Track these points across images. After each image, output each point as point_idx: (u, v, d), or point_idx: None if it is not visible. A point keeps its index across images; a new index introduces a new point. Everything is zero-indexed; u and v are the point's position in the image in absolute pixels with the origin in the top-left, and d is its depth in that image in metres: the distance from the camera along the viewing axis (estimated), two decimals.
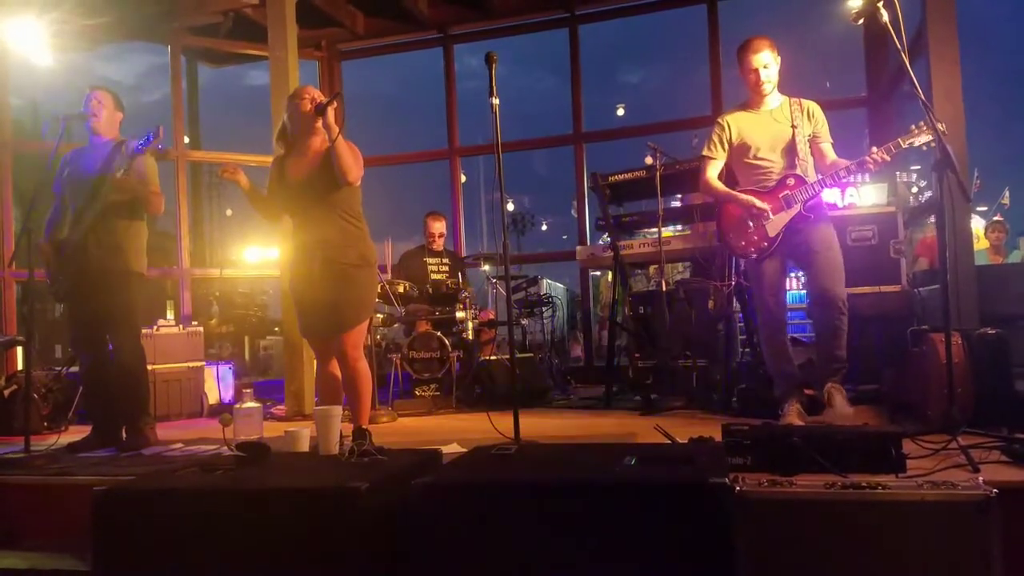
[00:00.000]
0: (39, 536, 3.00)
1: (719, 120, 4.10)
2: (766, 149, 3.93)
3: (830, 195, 3.95)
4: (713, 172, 4.08)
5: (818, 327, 3.93)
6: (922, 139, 3.48)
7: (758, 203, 3.87)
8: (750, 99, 4.03)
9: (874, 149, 3.61)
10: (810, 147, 3.93)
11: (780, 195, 3.86)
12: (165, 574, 2.32)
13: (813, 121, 3.92)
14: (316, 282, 3.57)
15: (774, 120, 3.94)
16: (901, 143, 3.53)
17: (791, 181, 3.85)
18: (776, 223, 3.86)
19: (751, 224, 3.91)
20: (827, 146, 3.95)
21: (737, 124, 4.02)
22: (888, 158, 3.59)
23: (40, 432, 4.71)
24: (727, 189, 4.03)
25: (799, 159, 3.87)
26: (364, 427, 3.61)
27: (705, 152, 4.12)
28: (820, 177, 3.83)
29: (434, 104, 8.46)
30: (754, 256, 3.94)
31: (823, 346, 3.88)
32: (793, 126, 3.88)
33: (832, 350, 3.84)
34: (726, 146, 4.04)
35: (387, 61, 8.83)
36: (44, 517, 3.14)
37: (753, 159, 3.97)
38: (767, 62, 3.90)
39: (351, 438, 3.45)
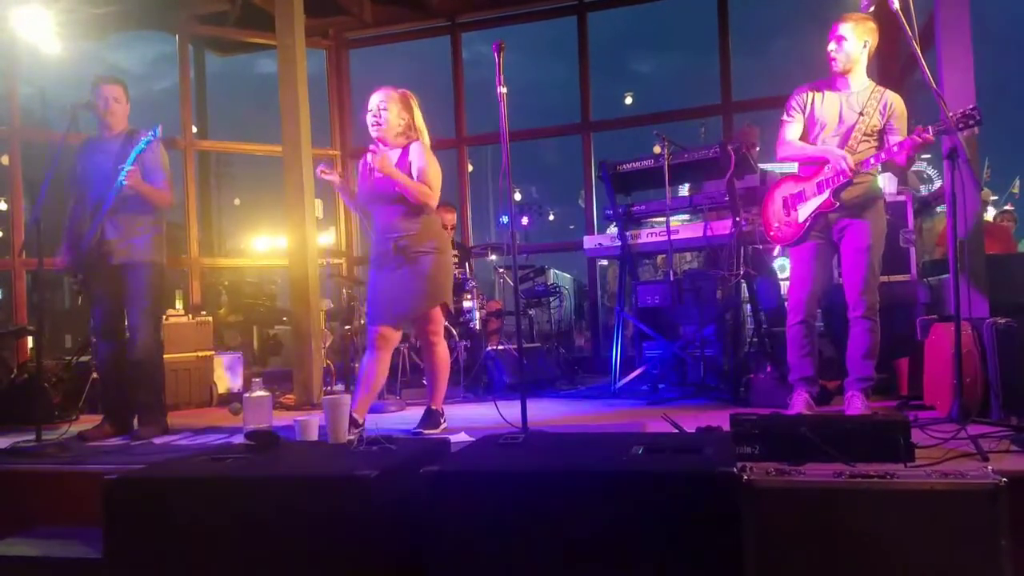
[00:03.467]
0: (50, 524, 3.02)
1: (800, 88, 3.93)
2: (829, 132, 3.80)
3: None
4: (790, 132, 3.91)
5: (849, 329, 3.83)
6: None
7: (837, 152, 3.69)
8: (830, 75, 3.85)
9: (919, 128, 3.48)
10: (879, 138, 3.75)
11: (816, 181, 3.79)
12: (176, 562, 2.33)
13: (888, 112, 3.72)
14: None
15: (849, 104, 3.78)
16: (932, 132, 3.43)
17: (828, 169, 3.75)
18: (806, 209, 3.82)
19: (788, 211, 3.89)
20: (896, 139, 3.73)
21: (813, 97, 3.87)
22: (931, 138, 3.46)
23: (51, 421, 4.73)
24: (807, 147, 3.86)
25: (848, 148, 3.72)
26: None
27: (783, 118, 3.96)
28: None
29: (442, 93, 8.45)
30: (783, 241, 3.95)
31: (850, 352, 3.80)
32: (860, 114, 3.72)
33: (859, 357, 3.75)
34: (802, 110, 3.89)
35: (395, 50, 8.80)
36: (55, 506, 3.16)
37: (819, 141, 3.83)
38: (844, 34, 3.70)
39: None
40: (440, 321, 3.88)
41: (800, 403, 3.81)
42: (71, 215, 4.26)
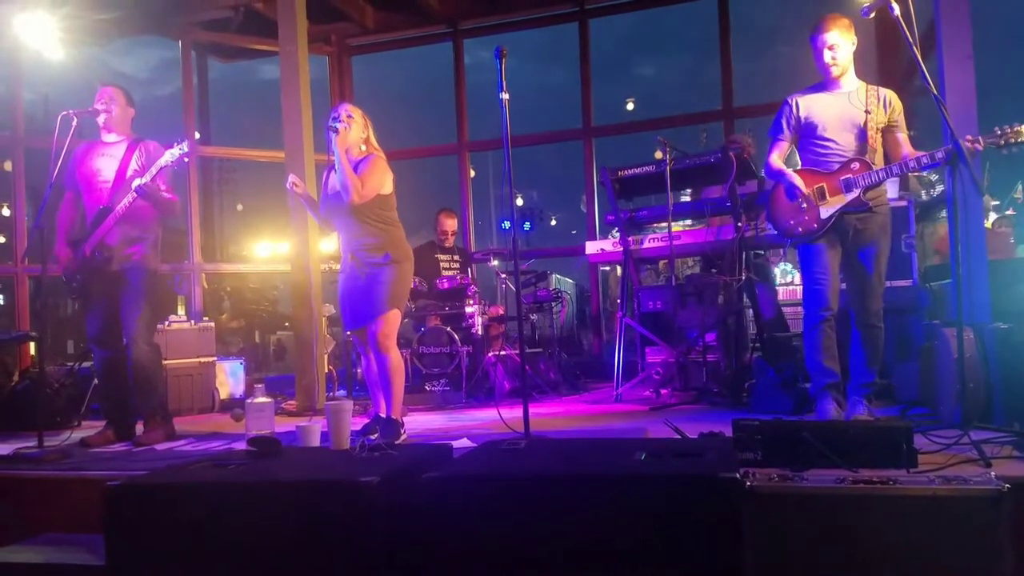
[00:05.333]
0: (53, 531, 3.02)
1: (787, 99, 3.88)
2: (833, 129, 3.73)
3: None
4: (776, 155, 3.89)
5: (852, 334, 3.76)
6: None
7: (801, 187, 3.70)
8: (823, 80, 3.82)
9: (969, 137, 3.38)
10: (884, 137, 3.72)
11: (841, 178, 3.66)
12: (178, 569, 2.33)
13: (890, 110, 3.71)
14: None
15: (848, 102, 3.73)
16: (983, 142, 3.35)
17: (856, 165, 3.65)
18: (831, 205, 3.68)
19: (804, 205, 3.74)
20: (904, 136, 3.73)
21: (806, 103, 3.81)
22: (981, 147, 3.36)
23: (53, 427, 4.73)
24: (784, 168, 3.83)
25: (869, 147, 3.67)
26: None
27: (771, 135, 3.93)
28: (888, 166, 3.63)
29: (444, 99, 8.46)
30: (800, 236, 3.78)
31: (854, 357, 3.74)
32: (866, 111, 3.68)
33: (863, 363, 3.71)
34: (792, 127, 3.85)
35: (397, 56, 8.82)
36: (58, 512, 3.16)
37: (819, 139, 3.77)
38: (835, 42, 3.67)
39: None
40: (393, 326, 3.88)
41: (830, 413, 3.66)
42: (62, 213, 4.26)
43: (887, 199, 3.85)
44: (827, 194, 3.70)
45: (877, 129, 3.70)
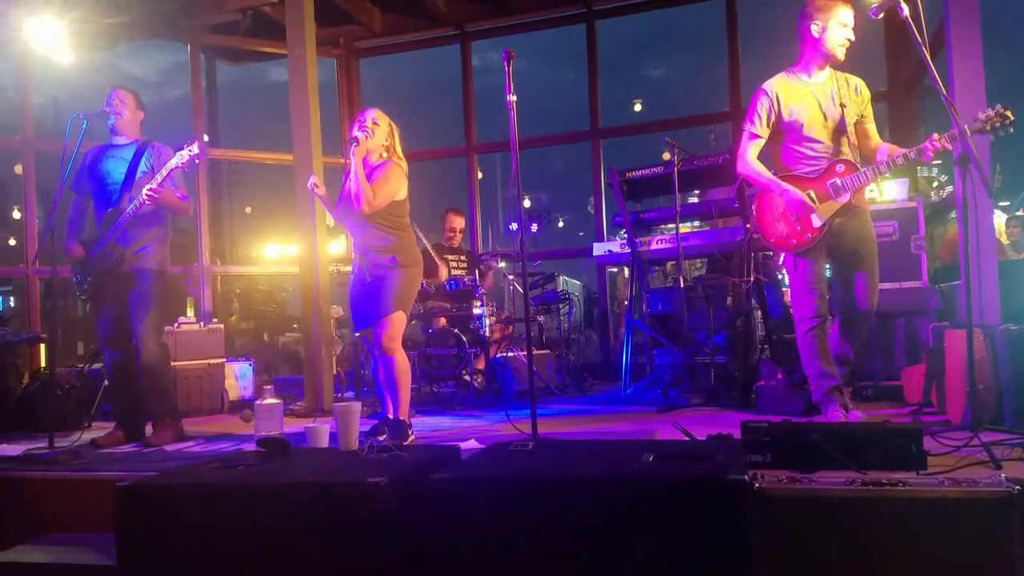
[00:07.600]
0: (63, 531, 3.03)
1: (765, 90, 3.67)
2: (816, 128, 3.59)
3: None
4: (755, 152, 3.67)
5: (840, 335, 3.69)
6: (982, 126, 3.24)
7: (808, 201, 3.52)
8: (804, 64, 3.65)
9: (936, 136, 3.29)
10: (855, 128, 3.65)
11: (828, 182, 3.55)
12: (188, 569, 2.34)
13: (861, 99, 3.63)
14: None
15: (823, 95, 3.61)
16: (968, 130, 3.22)
17: (841, 167, 3.54)
18: (822, 213, 3.55)
19: (794, 213, 3.61)
20: (872, 127, 3.66)
21: (786, 98, 3.62)
22: (949, 146, 3.27)
23: (63, 428, 4.74)
24: (771, 177, 3.65)
25: (850, 144, 3.59)
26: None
27: (747, 127, 3.68)
28: (871, 164, 3.52)
29: (452, 101, 8.47)
30: (795, 248, 3.64)
31: (838, 352, 3.69)
32: (841, 104, 3.58)
33: (844, 353, 3.68)
34: (772, 121, 3.65)
35: (405, 58, 8.84)
36: (68, 512, 3.17)
37: (804, 140, 3.62)
38: (850, 21, 3.51)
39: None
40: (399, 328, 3.90)
41: (837, 417, 3.61)
42: (71, 217, 4.29)
43: (866, 198, 3.78)
44: (816, 200, 3.59)
45: (854, 123, 3.63)
